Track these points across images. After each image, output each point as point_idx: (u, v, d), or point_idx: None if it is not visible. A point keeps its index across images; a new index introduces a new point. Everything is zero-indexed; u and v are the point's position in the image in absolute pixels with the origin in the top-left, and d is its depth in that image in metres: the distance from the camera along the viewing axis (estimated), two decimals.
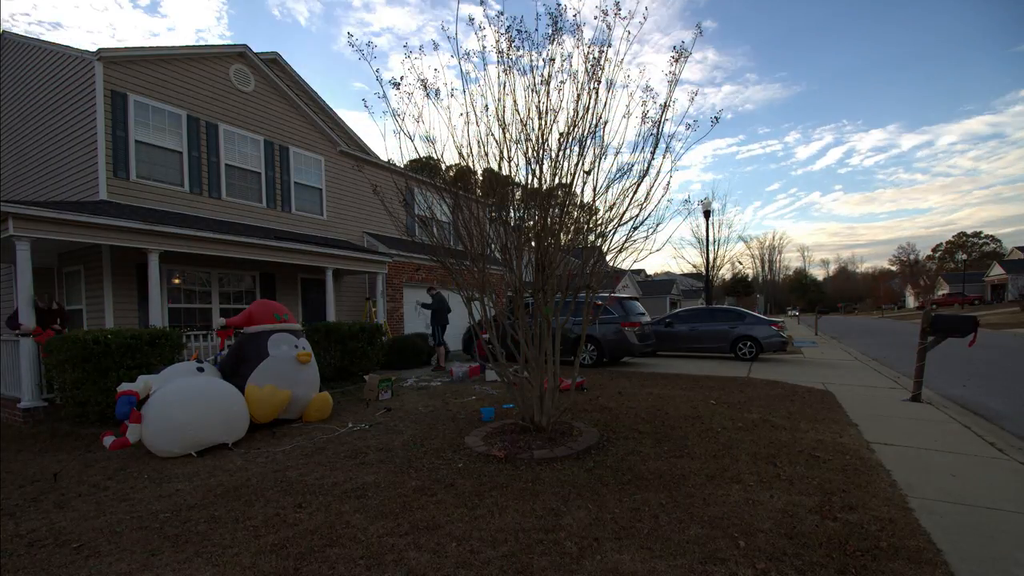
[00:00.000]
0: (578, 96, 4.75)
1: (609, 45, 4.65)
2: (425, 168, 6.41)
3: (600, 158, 4.88)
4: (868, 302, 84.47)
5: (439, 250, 5.15)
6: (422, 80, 4.84)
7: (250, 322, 6.27)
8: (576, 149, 4.82)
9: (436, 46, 4.76)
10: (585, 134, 4.78)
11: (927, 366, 7.23)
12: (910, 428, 5.55)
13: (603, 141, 4.86)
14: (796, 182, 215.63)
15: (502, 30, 4.67)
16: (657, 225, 5.15)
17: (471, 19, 4.74)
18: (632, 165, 4.93)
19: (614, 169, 4.99)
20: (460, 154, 5.05)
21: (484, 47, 4.77)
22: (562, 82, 4.79)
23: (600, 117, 4.77)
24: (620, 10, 4.57)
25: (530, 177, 4.94)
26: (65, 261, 9.14)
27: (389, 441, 5.23)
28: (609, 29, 4.63)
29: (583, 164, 4.86)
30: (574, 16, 4.69)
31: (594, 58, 4.66)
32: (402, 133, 5.00)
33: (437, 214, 5.51)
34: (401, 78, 4.84)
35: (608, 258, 5.37)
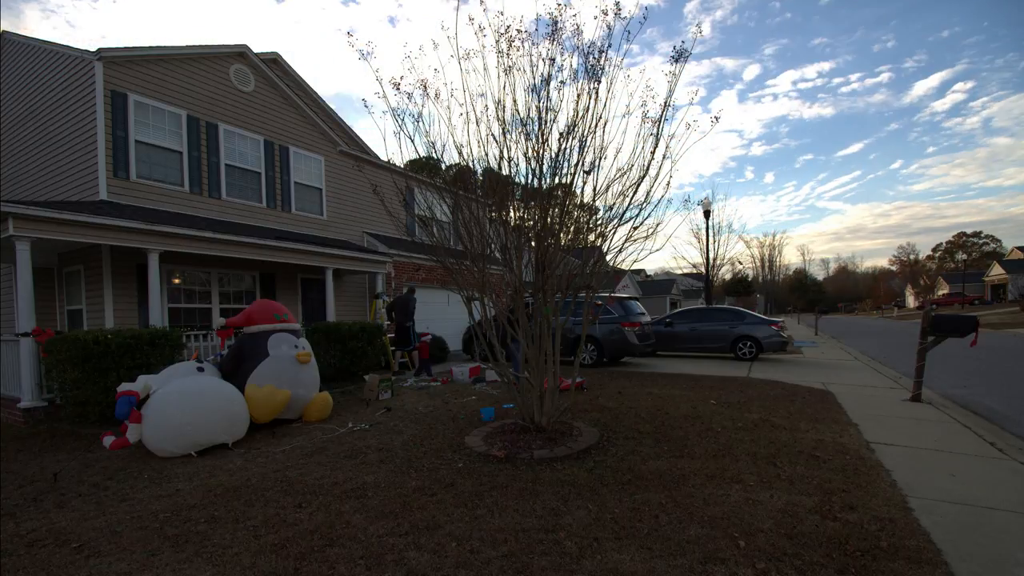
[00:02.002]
0: (578, 96, 4.75)
1: (609, 45, 4.65)
2: (425, 168, 6.41)
3: (600, 158, 4.89)
4: (868, 302, 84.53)
5: (439, 250, 5.15)
6: (422, 80, 4.85)
7: (250, 322, 6.27)
8: (576, 149, 4.82)
9: (436, 45, 4.77)
10: (585, 134, 4.78)
11: (927, 366, 7.23)
12: (910, 428, 5.54)
13: (603, 141, 4.87)
14: (880, 144, 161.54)
15: (502, 30, 4.67)
16: (657, 225, 5.16)
17: (471, 19, 4.74)
18: (632, 164, 4.93)
19: (614, 169, 4.99)
20: (460, 154, 5.06)
21: (484, 47, 4.77)
22: (562, 82, 4.80)
23: (600, 117, 4.77)
24: (620, 10, 4.57)
25: (530, 177, 4.94)
26: (65, 261, 9.14)
27: (389, 441, 5.23)
28: (609, 29, 4.63)
29: (583, 164, 4.86)
30: (574, 16, 4.69)
31: (594, 58, 4.66)
32: (402, 133, 5.00)
33: (437, 214, 5.51)
34: (401, 78, 4.84)
35: (608, 258, 5.37)
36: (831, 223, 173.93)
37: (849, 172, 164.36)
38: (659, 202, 5.03)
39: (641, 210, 4.93)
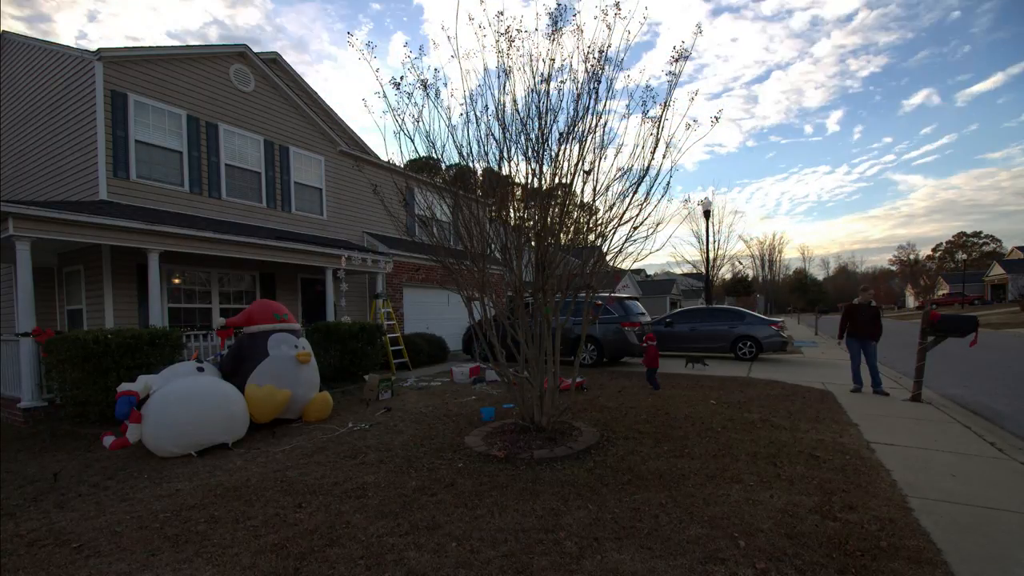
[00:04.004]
0: (578, 96, 4.75)
1: (609, 45, 4.65)
2: (425, 168, 6.41)
3: (600, 158, 4.88)
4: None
5: (439, 250, 5.15)
6: (422, 80, 4.84)
7: (250, 322, 6.27)
8: (576, 149, 4.82)
9: (436, 45, 4.77)
10: (585, 134, 4.78)
11: (927, 366, 7.23)
12: (910, 428, 5.54)
13: (603, 141, 4.87)
14: (996, 93, 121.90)
15: (502, 30, 4.67)
16: (657, 225, 5.15)
17: (471, 18, 4.74)
18: (632, 165, 4.92)
19: (614, 169, 4.99)
20: (460, 154, 5.05)
21: (484, 47, 4.77)
22: (562, 82, 4.80)
23: (600, 117, 4.77)
24: (620, 10, 4.57)
25: (530, 177, 4.94)
26: (65, 261, 9.13)
27: (389, 441, 5.23)
28: (609, 29, 4.63)
29: (583, 164, 4.86)
30: (574, 16, 4.69)
31: (594, 58, 4.66)
32: (402, 133, 5.00)
33: (437, 214, 5.51)
34: (401, 78, 4.84)
35: (608, 258, 5.37)
36: (919, 198, 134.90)
37: (965, 125, 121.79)
38: (659, 201, 5.03)
39: (641, 210, 4.93)
